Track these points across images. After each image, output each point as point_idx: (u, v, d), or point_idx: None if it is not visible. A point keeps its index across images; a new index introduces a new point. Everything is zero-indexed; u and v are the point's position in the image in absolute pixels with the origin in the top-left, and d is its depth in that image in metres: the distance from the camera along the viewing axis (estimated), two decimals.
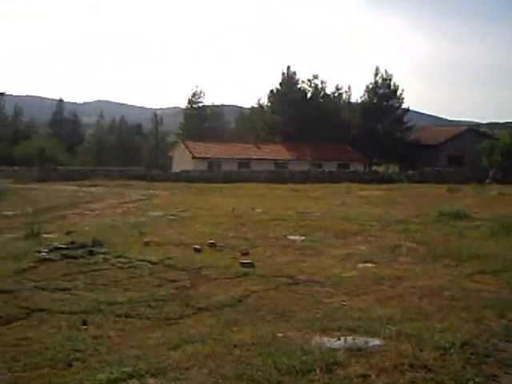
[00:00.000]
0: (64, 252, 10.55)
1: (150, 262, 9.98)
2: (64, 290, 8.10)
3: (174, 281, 8.72)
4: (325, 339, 5.69)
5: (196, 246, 11.36)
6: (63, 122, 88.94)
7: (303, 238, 12.95)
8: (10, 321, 6.52)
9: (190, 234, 13.52)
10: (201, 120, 78.47)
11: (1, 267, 9.41)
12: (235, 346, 5.59)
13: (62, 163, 57.59)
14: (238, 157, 55.75)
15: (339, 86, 69.15)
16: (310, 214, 17.95)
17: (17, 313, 6.83)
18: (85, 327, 6.34)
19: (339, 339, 5.65)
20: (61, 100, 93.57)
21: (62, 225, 15.65)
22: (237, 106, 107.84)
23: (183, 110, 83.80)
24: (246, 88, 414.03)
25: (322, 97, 66.78)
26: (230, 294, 7.78)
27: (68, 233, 13.42)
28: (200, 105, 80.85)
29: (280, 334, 5.95)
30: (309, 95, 66.16)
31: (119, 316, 6.75)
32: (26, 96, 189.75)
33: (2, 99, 31.51)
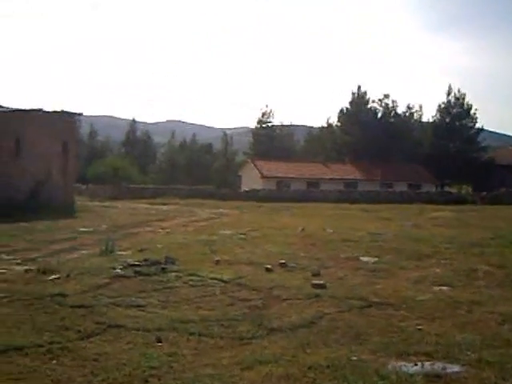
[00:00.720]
0: (138, 269, 10.74)
1: (221, 280, 10.03)
2: (138, 306, 8.22)
3: (245, 300, 8.72)
4: (401, 364, 5.57)
5: (267, 266, 11.35)
6: (136, 141, 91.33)
7: (375, 259, 12.75)
8: (89, 335, 6.66)
9: (260, 253, 13.53)
10: (270, 139, 78.87)
11: (78, 282, 9.67)
12: (309, 368, 5.54)
13: (134, 181, 59.04)
14: (306, 176, 55.76)
15: (410, 105, 68.33)
16: (381, 235, 17.66)
17: (94, 328, 6.97)
18: (159, 344, 6.40)
19: (416, 364, 5.52)
20: (133, 120, 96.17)
21: (135, 242, 15.96)
22: (306, 126, 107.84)
23: (252, 129, 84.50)
24: (316, 108, 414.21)
25: (393, 116, 66.14)
26: (303, 315, 7.71)
27: (141, 250, 13.67)
28: (269, 124, 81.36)
29: (354, 357, 5.85)
30: (379, 115, 65.67)
31: (193, 334, 6.78)
32: (101, 116, 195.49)
33: (79, 119, 32.81)
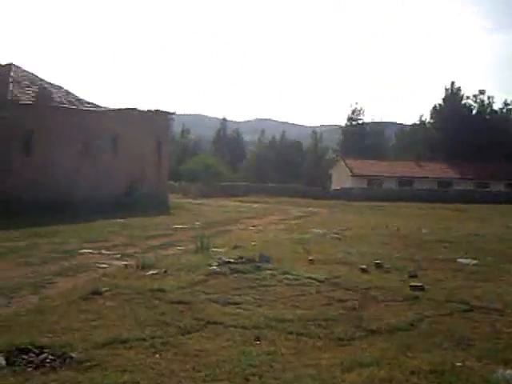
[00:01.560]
0: (233, 266, 10.84)
1: (316, 279, 9.97)
2: (235, 303, 8.29)
3: (341, 300, 8.62)
4: (510, 372, 5.33)
5: (362, 266, 11.20)
6: (226, 139, 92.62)
7: (475, 261, 12.32)
8: (189, 331, 6.77)
9: (354, 253, 13.37)
10: (360, 137, 78.03)
11: (176, 278, 9.87)
12: (412, 372, 5.41)
13: (224, 179, 59.84)
14: (398, 175, 54.71)
15: (508, 101, 65.74)
16: (479, 236, 17.08)
17: (193, 324, 7.08)
18: (258, 343, 6.43)
19: None
20: (224, 119, 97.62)
21: (229, 239, 16.15)
22: (397, 123, 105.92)
23: (342, 127, 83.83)
24: (407, 104, 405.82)
25: (489, 113, 63.82)
26: (401, 318, 7.54)
27: (235, 247, 13.82)
28: (359, 122, 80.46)
29: (459, 363, 5.67)
30: (474, 111, 63.55)
31: (290, 333, 6.77)
32: (192, 115, 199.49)
33: (172, 118, 33.53)
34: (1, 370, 5.44)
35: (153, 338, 6.43)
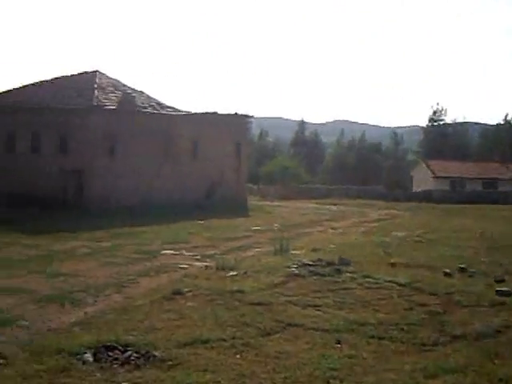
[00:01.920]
0: (312, 269, 10.78)
1: (397, 283, 9.77)
2: (315, 306, 8.25)
3: (424, 305, 8.42)
4: None
5: (445, 270, 10.89)
6: (304, 141, 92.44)
7: None
8: (269, 333, 6.78)
9: (437, 256, 13.03)
10: (442, 138, 76.15)
11: (255, 280, 9.91)
12: (500, 380, 5.23)
13: (302, 181, 59.76)
14: (482, 176, 53.03)
15: None
16: None
17: (273, 325, 7.09)
18: (338, 346, 6.37)
19: None
20: (302, 121, 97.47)
21: (308, 241, 16.10)
22: (480, 123, 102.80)
23: (423, 128, 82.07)
24: (490, 104, 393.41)
25: None
26: (487, 324, 7.29)
27: (314, 250, 13.75)
28: (441, 122, 78.58)
29: None
30: None
31: (372, 337, 6.67)
32: (270, 117, 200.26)
33: (251, 121, 33.81)
34: (89, 366, 5.62)
35: (233, 338, 6.48)
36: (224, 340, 6.42)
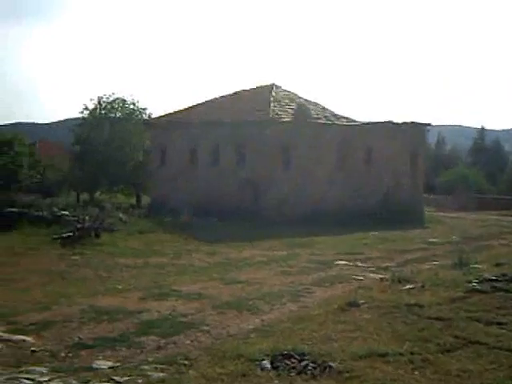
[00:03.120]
0: (495, 284, 10.19)
1: None
2: (498, 324, 7.78)
3: None
4: None
5: None
6: (484, 149, 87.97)
7: None
8: (449, 350, 6.51)
9: None
10: None
11: (433, 294, 9.58)
12: None
13: (482, 192, 56.84)
14: None
15: None
16: None
17: (453, 342, 6.80)
18: None
19: None
20: (482, 128, 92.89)
21: (490, 255, 15.31)
22: None
23: None
24: None
25: None
26: None
27: (497, 264, 13.01)
28: None
29: None
30: None
31: None
32: (449, 125, 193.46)
33: (428, 129, 32.86)
34: (267, 373, 5.76)
35: (411, 353, 6.30)
36: (401, 354, 6.25)
